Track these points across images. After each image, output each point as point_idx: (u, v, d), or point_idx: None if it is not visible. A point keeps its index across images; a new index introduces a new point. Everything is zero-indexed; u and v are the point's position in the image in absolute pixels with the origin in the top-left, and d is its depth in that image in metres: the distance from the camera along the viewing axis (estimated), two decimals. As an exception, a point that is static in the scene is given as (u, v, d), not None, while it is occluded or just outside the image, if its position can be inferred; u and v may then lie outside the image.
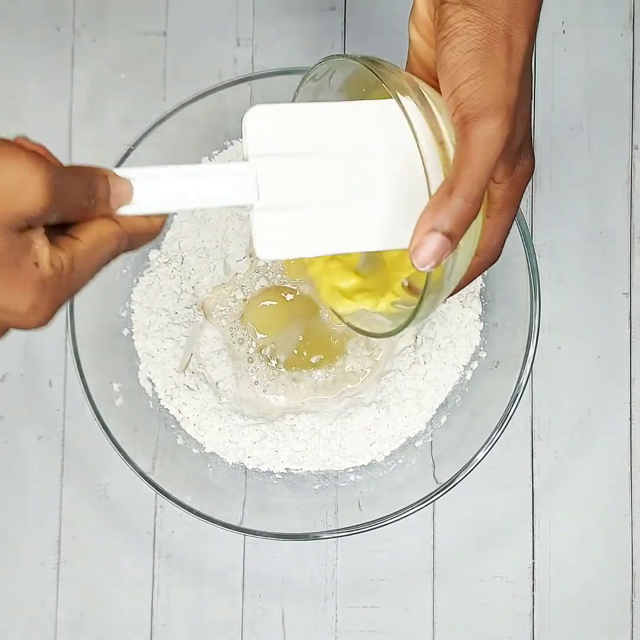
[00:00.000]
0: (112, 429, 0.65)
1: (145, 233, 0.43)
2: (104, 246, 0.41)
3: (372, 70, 0.45)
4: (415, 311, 0.46)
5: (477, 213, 0.42)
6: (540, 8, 0.44)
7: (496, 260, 0.49)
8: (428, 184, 0.42)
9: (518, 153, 0.46)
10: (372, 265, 0.54)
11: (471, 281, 0.50)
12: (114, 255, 0.42)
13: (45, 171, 0.38)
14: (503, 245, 0.49)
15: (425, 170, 0.43)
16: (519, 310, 0.65)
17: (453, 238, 0.42)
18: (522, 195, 0.48)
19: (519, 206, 0.48)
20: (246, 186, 0.42)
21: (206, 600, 0.73)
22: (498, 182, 0.46)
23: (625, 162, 0.74)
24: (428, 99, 0.45)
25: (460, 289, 0.50)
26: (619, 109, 0.74)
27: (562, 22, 0.75)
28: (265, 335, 0.71)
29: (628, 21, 0.75)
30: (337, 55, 0.48)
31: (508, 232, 0.49)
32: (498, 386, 0.66)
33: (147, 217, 0.42)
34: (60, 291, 0.40)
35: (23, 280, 0.39)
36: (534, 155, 0.48)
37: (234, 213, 0.70)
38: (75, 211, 0.40)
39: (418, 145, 0.43)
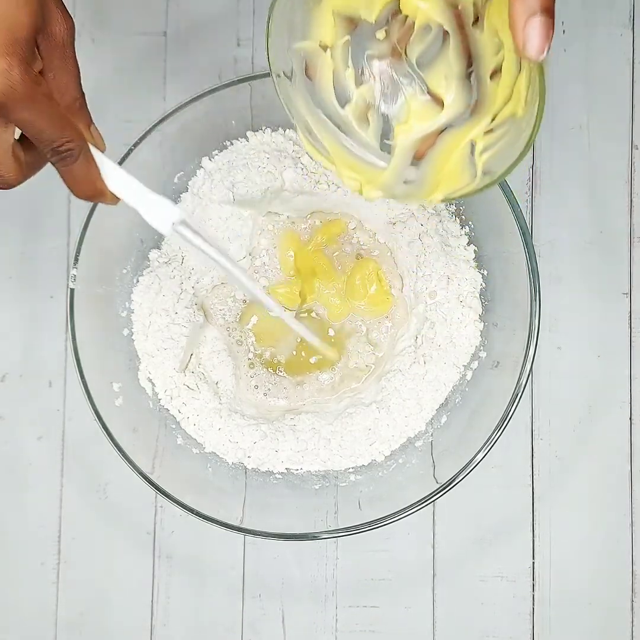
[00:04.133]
0: (112, 429, 0.65)
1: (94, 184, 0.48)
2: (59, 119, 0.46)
3: None
4: (540, 106, 0.45)
5: None
6: None
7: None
8: None
9: None
10: None
11: None
12: (58, 139, 0.46)
13: None
14: None
15: None
16: (519, 310, 0.65)
17: (550, 11, 0.41)
18: None
19: None
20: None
21: (206, 600, 0.73)
22: None
23: (625, 162, 0.74)
24: None
25: None
26: (619, 109, 0.74)
27: (562, 22, 0.75)
28: (265, 347, 0.72)
29: (628, 21, 0.75)
30: None
31: None
32: (498, 386, 0.66)
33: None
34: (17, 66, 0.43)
35: None
36: None
37: (234, 213, 0.70)
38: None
39: None
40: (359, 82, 0.51)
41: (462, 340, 0.69)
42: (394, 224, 0.69)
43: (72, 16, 0.47)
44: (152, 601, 0.73)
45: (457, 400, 0.69)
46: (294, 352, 0.71)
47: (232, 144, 0.70)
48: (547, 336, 0.73)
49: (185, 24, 0.75)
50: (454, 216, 0.70)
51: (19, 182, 0.48)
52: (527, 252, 0.64)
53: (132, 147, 0.65)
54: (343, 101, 0.53)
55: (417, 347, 0.70)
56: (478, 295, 0.69)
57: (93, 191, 0.49)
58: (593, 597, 0.73)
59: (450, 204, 0.70)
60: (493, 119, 0.50)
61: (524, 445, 0.73)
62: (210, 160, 0.70)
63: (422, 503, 0.64)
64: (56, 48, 0.46)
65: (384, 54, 0.51)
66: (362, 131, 0.54)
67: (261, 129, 0.70)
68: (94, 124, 0.49)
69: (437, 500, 0.65)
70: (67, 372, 0.74)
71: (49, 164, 0.49)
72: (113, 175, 0.50)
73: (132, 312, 0.70)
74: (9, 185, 0.48)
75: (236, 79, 0.66)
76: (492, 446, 0.64)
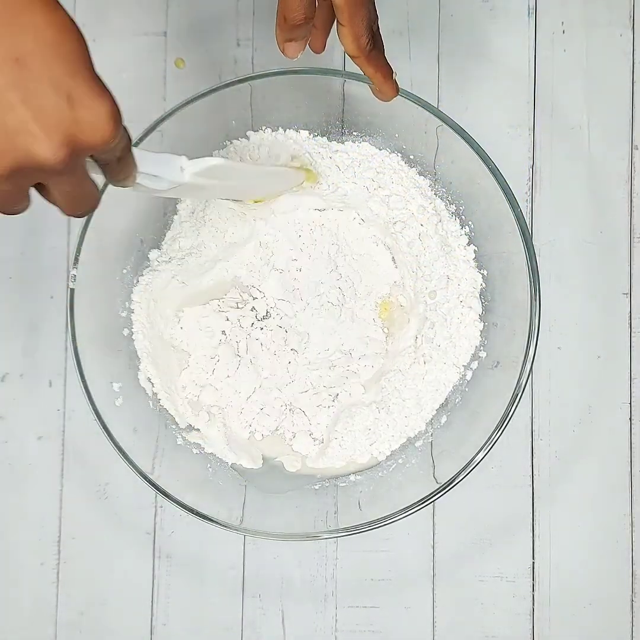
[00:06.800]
0: (112, 429, 0.65)
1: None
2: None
3: None
4: None
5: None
6: None
7: (368, 46, 0.56)
8: None
9: None
10: None
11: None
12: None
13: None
14: (368, 35, 0.55)
15: None
16: (519, 310, 0.65)
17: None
18: None
19: (365, 4, 0.54)
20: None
21: (206, 600, 0.73)
22: None
23: (625, 162, 0.74)
24: None
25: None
26: (619, 109, 0.74)
27: (562, 22, 0.75)
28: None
29: (628, 21, 0.75)
30: None
31: (368, 27, 0.55)
32: (498, 386, 0.66)
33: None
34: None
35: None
36: None
37: (234, 213, 0.70)
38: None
39: None
40: None
41: (462, 340, 0.69)
42: (394, 223, 0.69)
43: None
44: (152, 601, 0.73)
45: (457, 400, 0.69)
46: None
47: (231, 143, 0.70)
48: (547, 336, 0.73)
49: (185, 24, 0.75)
50: (453, 216, 0.70)
51: (100, 198, 0.48)
52: (527, 252, 0.64)
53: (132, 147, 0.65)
54: None
55: (417, 347, 0.70)
56: (478, 295, 0.69)
57: (131, 175, 0.50)
58: (593, 597, 0.73)
59: (450, 204, 0.70)
60: None
61: (524, 445, 0.73)
62: (210, 160, 0.70)
63: (422, 503, 0.64)
64: None
65: None
66: None
67: (261, 129, 0.70)
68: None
69: (437, 500, 0.65)
70: (67, 372, 0.74)
71: None
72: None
73: (132, 312, 0.70)
74: (94, 207, 0.48)
75: (236, 79, 0.66)
76: (492, 446, 0.64)
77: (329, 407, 0.70)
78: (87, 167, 0.45)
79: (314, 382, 0.70)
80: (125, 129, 0.45)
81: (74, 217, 0.47)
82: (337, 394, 0.70)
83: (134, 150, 0.49)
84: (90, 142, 0.42)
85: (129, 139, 0.47)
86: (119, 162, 0.47)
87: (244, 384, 0.70)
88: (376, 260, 0.71)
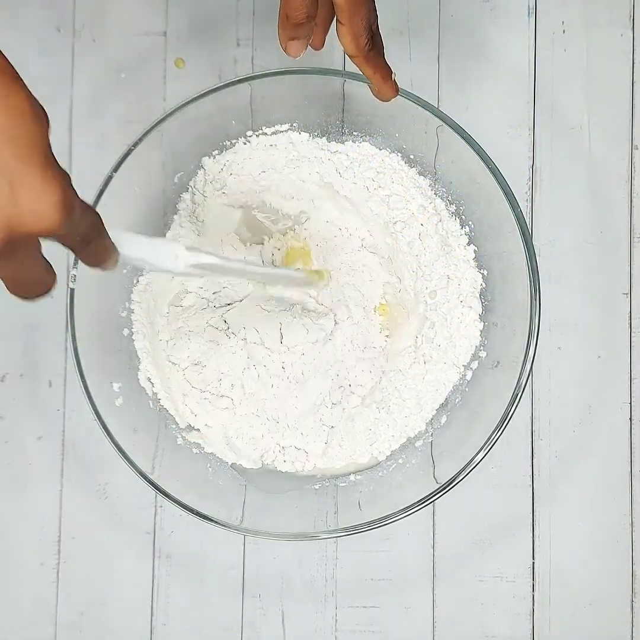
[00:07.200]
0: (112, 429, 0.65)
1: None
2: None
3: None
4: None
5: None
6: None
7: (367, 46, 0.56)
8: None
9: None
10: None
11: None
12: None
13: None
14: (367, 35, 0.55)
15: None
16: (519, 310, 0.65)
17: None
18: None
19: (365, 3, 0.54)
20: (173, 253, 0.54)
21: (206, 600, 0.73)
22: None
23: (625, 162, 0.74)
24: None
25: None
26: (619, 109, 0.74)
27: (562, 22, 0.75)
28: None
29: (628, 21, 0.75)
30: None
31: (367, 27, 0.55)
32: (498, 386, 0.66)
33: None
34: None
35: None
36: None
37: (233, 214, 0.70)
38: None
39: None
40: None
41: (462, 340, 0.69)
42: (394, 223, 0.69)
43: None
44: (152, 601, 0.73)
45: (457, 400, 0.69)
46: None
47: (232, 144, 0.70)
48: (547, 336, 0.73)
49: (185, 24, 0.75)
50: (454, 216, 0.70)
51: (55, 283, 0.46)
52: (527, 252, 0.64)
53: (132, 147, 0.66)
54: None
55: (417, 347, 0.70)
56: (478, 295, 0.69)
57: (108, 259, 0.49)
58: (593, 597, 0.73)
59: (450, 203, 0.70)
60: None
61: (524, 445, 0.73)
62: (210, 158, 0.70)
63: (422, 503, 0.64)
64: None
65: None
66: None
67: (261, 129, 0.70)
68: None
69: (437, 500, 0.65)
70: (67, 372, 0.74)
71: None
72: (121, 239, 0.49)
73: (132, 312, 0.70)
74: (42, 294, 0.46)
75: (236, 79, 0.66)
76: (492, 446, 0.64)
77: (321, 429, 0.69)
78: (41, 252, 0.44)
79: (304, 422, 0.69)
80: (92, 212, 0.44)
81: (22, 300, 0.46)
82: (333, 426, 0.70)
83: (122, 233, 0.48)
84: (30, 229, 0.40)
85: (98, 222, 0.45)
86: (87, 246, 0.45)
87: (220, 411, 0.69)
88: (366, 264, 0.71)
